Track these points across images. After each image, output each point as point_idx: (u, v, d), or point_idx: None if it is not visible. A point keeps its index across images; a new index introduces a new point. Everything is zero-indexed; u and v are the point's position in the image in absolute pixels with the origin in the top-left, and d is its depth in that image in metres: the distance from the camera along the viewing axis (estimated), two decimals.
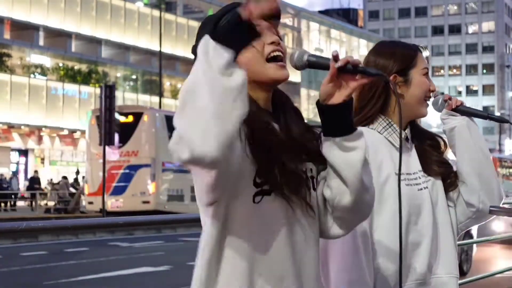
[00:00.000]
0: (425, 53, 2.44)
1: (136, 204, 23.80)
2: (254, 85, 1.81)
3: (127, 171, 24.54)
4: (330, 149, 1.80)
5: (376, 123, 2.39)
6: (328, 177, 1.84)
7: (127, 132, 23.94)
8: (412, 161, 2.41)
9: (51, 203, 33.93)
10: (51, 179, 36.96)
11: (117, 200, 24.39)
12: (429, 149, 2.48)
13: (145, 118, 24.85)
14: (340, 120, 1.79)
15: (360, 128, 1.83)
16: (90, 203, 25.17)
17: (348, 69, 1.77)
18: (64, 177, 33.65)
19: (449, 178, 2.48)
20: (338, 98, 1.79)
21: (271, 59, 1.83)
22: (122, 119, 23.76)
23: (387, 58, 2.38)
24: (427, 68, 2.43)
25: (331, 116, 1.80)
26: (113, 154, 23.76)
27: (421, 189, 2.37)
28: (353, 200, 1.80)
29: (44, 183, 37.03)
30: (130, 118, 24.69)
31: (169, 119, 24.10)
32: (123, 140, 23.95)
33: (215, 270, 1.76)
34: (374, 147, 2.29)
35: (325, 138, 1.80)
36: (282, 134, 1.82)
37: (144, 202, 24.20)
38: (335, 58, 1.77)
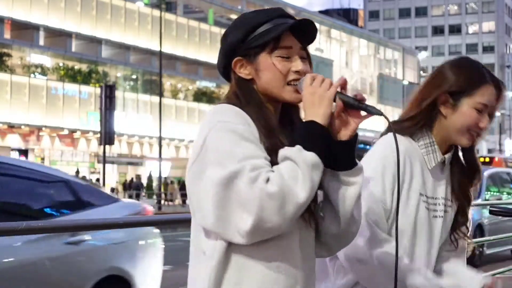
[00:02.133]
0: (506, 93, 2.34)
1: None
2: (268, 97, 1.89)
3: None
4: (329, 180, 1.84)
5: (419, 137, 2.33)
6: (321, 203, 1.88)
7: None
8: (440, 186, 2.35)
9: None
10: None
11: None
12: (462, 179, 2.39)
13: None
14: (345, 155, 1.84)
15: (360, 163, 1.87)
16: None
17: (353, 105, 1.81)
18: None
19: (459, 216, 2.40)
20: (345, 134, 1.83)
21: (290, 82, 1.87)
22: None
23: (453, 74, 2.32)
24: (487, 105, 2.28)
25: (336, 151, 1.83)
26: None
27: (436, 216, 2.33)
28: (341, 230, 1.87)
29: None
30: None
31: None
32: None
33: (222, 275, 1.78)
34: (410, 159, 2.27)
35: (325, 168, 1.81)
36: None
37: None
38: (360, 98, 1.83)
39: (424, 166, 2.30)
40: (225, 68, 1.94)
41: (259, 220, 1.65)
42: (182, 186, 44.05)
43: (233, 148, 1.71)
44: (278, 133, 1.83)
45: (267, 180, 1.66)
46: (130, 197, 40.64)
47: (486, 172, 12.90)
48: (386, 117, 1.86)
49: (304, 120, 1.80)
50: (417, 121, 2.30)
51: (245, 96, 1.86)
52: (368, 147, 36.62)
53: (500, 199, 12.18)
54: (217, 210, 1.70)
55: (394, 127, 2.07)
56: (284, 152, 1.73)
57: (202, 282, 1.79)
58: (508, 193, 13.85)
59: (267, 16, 1.88)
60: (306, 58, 1.90)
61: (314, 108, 1.78)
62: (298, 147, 1.72)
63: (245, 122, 1.78)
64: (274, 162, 1.73)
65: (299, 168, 1.69)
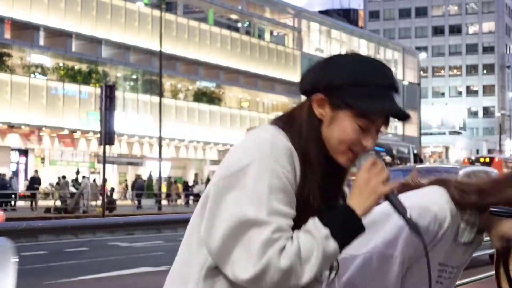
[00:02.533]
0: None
1: None
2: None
3: None
4: (325, 239, 1.76)
5: (466, 213, 2.19)
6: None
7: None
8: (454, 254, 2.23)
9: (51, 203, 33.95)
10: (55, 183, 36.90)
11: None
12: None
13: None
14: (356, 230, 1.79)
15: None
16: None
17: (397, 208, 1.83)
18: (64, 177, 33.68)
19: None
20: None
21: (352, 150, 1.84)
22: None
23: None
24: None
25: (350, 224, 1.78)
26: None
27: (438, 282, 2.25)
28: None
29: (44, 183, 37.06)
30: None
31: None
32: None
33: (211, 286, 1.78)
34: (449, 225, 2.15)
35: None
36: (317, 203, 1.81)
37: None
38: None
39: (454, 239, 2.21)
40: (305, 89, 1.87)
41: (256, 279, 1.67)
42: (185, 186, 44.04)
43: (269, 196, 1.69)
44: (319, 185, 1.80)
45: (283, 249, 1.66)
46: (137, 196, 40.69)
47: (462, 171, 12.12)
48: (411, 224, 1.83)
49: (347, 203, 1.78)
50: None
51: (309, 133, 1.81)
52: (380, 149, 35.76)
53: None
54: (225, 240, 1.70)
55: None
56: (311, 226, 1.72)
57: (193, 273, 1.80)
58: None
59: (377, 78, 1.81)
60: (382, 126, 1.85)
61: (361, 198, 1.76)
62: (326, 233, 1.71)
63: (292, 164, 1.75)
64: (299, 207, 1.74)
65: (316, 252, 1.69)
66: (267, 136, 1.78)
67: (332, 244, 1.70)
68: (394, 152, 35.71)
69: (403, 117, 1.82)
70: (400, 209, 1.80)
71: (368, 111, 1.78)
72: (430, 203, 2.11)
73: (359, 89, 1.78)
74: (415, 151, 43.36)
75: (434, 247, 2.10)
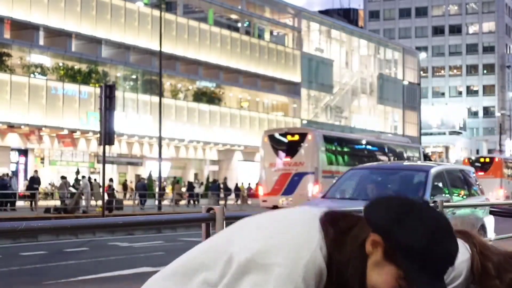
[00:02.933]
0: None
1: (302, 202, 26.88)
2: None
3: (296, 178, 29.36)
4: None
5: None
6: None
7: (294, 147, 29.57)
8: None
9: (51, 203, 33.90)
10: (53, 182, 36.86)
11: (287, 199, 29.01)
12: None
13: (309, 137, 29.88)
14: None
15: None
16: (264, 201, 29.60)
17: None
18: (63, 177, 33.64)
19: None
20: None
21: None
22: (290, 137, 30.08)
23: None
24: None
25: None
26: (282, 164, 29.43)
27: None
28: None
29: (44, 183, 37.03)
30: (297, 137, 30.10)
31: (325, 138, 31.16)
32: (291, 154, 29.47)
33: None
34: None
35: None
36: None
37: (309, 200, 28.78)
38: None
39: None
40: (369, 219, 1.81)
41: None
42: (189, 186, 43.97)
43: None
44: None
45: None
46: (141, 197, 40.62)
47: (434, 170, 11.67)
48: None
49: None
50: None
51: (354, 264, 1.79)
52: (373, 147, 36.98)
53: (448, 201, 10.86)
54: None
55: None
56: None
57: None
58: (462, 194, 12.36)
59: (440, 257, 1.77)
60: None
61: None
62: None
63: (315, 281, 1.73)
64: None
65: None
66: (310, 246, 1.74)
67: None
68: (405, 153, 36.20)
69: None
70: None
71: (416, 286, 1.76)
72: None
73: (418, 259, 1.74)
74: (425, 152, 43.82)
75: None
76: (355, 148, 33.86)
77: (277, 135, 30.71)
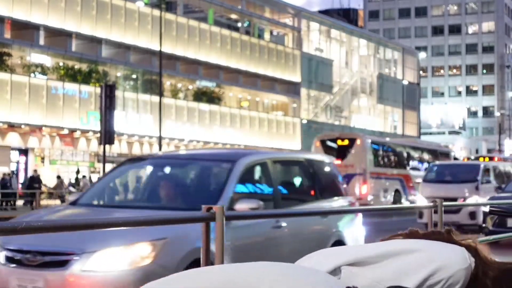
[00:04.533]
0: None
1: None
2: None
3: (345, 178, 30.72)
4: None
5: None
6: None
7: (344, 151, 32.07)
8: None
9: (51, 203, 33.91)
10: (46, 184, 36.76)
11: None
12: None
13: (358, 142, 32.62)
14: None
15: None
16: None
17: None
18: (58, 177, 33.61)
19: None
20: None
21: None
22: (340, 142, 32.48)
23: None
24: None
25: None
26: None
27: None
28: None
29: (44, 183, 37.01)
30: (346, 142, 32.61)
31: (373, 142, 34.22)
32: (342, 157, 31.52)
33: None
34: None
35: None
36: None
37: (358, 199, 29.55)
38: None
39: None
40: None
41: None
42: None
43: None
44: None
45: None
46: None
47: (246, 159, 7.87)
48: None
49: None
50: None
51: None
52: (412, 150, 39.03)
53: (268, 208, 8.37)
54: None
55: None
56: None
57: None
58: (302, 196, 9.49)
59: None
60: None
61: None
62: None
63: None
64: None
65: None
66: None
67: None
68: (439, 156, 38.57)
69: None
70: None
71: None
72: (450, 262, 2.04)
73: None
74: (455, 155, 46.39)
75: None
76: (397, 151, 36.29)
77: (328, 141, 32.89)
